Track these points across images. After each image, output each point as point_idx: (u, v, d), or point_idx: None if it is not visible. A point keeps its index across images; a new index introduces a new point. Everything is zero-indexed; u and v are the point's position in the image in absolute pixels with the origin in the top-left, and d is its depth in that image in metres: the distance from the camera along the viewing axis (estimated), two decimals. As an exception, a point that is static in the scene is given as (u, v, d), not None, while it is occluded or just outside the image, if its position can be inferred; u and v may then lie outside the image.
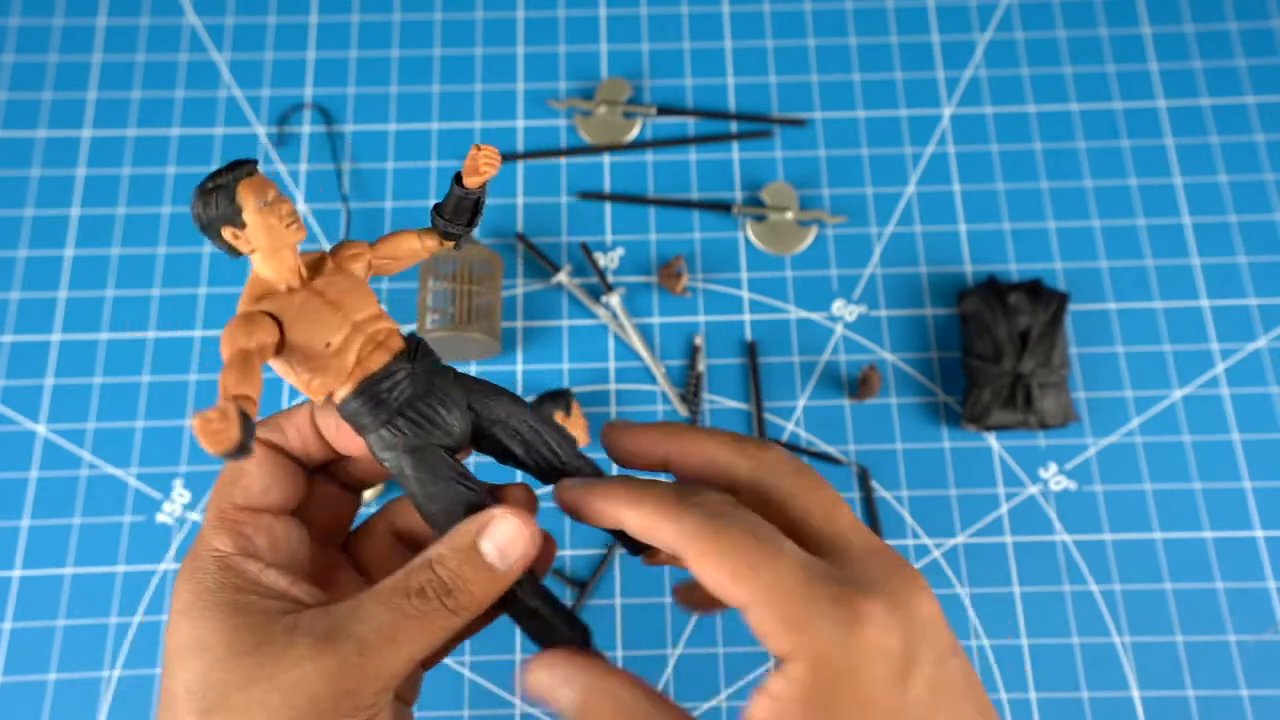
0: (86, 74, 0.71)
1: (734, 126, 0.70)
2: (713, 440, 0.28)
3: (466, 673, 0.58)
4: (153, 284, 0.66)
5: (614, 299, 0.64)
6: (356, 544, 0.32)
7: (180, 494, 0.61)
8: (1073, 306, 0.65)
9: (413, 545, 0.33)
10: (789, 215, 0.67)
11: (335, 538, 0.32)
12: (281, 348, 0.26)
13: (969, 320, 0.63)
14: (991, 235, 0.67)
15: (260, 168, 0.69)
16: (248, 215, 0.25)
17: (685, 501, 0.25)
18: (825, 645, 0.23)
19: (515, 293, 0.66)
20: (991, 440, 0.62)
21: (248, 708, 0.23)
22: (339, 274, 0.28)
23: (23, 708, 0.56)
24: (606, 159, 0.70)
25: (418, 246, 0.29)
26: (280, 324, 0.26)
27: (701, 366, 0.64)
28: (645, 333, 0.65)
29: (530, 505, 0.30)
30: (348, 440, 0.28)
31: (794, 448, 0.62)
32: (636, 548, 0.31)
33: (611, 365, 0.64)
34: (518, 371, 0.64)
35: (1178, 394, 0.63)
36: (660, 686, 0.57)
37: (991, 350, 0.61)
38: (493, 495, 0.29)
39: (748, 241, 0.67)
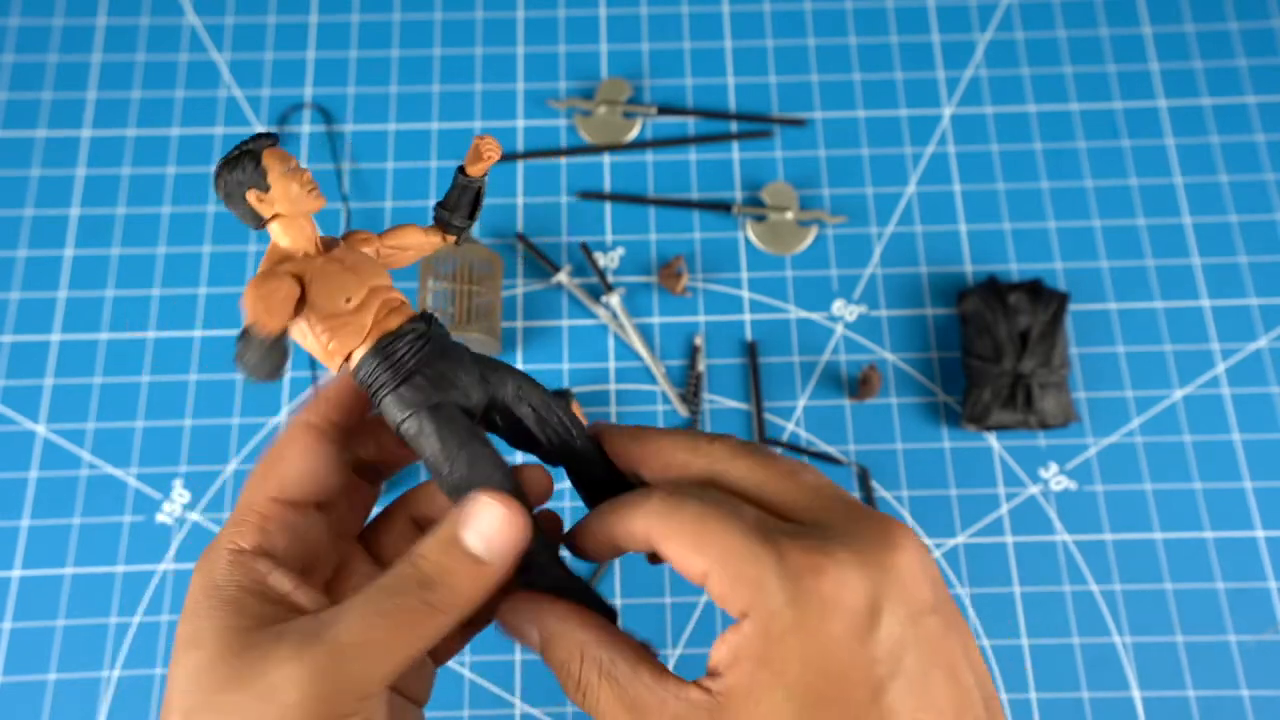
0: (86, 74, 0.71)
1: (734, 126, 0.70)
2: (669, 440, 0.28)
3: (466, 673, 0.58)
4: (153, 284, 0.66)
5: (614, 299, 0.64)
6: (375, 536, 0.31)
7: (180, 494, 0.61)
8: (1073, 306, 0.65)
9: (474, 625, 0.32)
10: (789, 215, 0.67)
11: (351, 529, 0.31)
12: (300, 308, 0.26)
13: (969, 320, 0.63)
14: (992, 235, 0.67)
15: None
16: (272, 179, 0.26)
17: (648, 492, 0.26)
18: (776, 600, 0.22)
19: (515, 293, 0.66)
20: (992, 440, 0.62)
21: (227, 712, 0.23)
22: (352, 251, 0.29)
23: (23, 708, 0.56)
24: (606, 159, 0.70)
25: (423, 240, 0.30)
26: (301, 284, 0.27)
27: (701, 366, 0.64)
28: (645, 333, 0.65)
29: (547, 487, 0.30)
30: None
31: (794, 448, 0.62)
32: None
33: (611, 365, 0.64)
34: (518, 371, 0.64)
35: (1178, 394, 0.63)
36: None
37: (992, 350, 0.61)
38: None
39: (748, 241, 0.67)
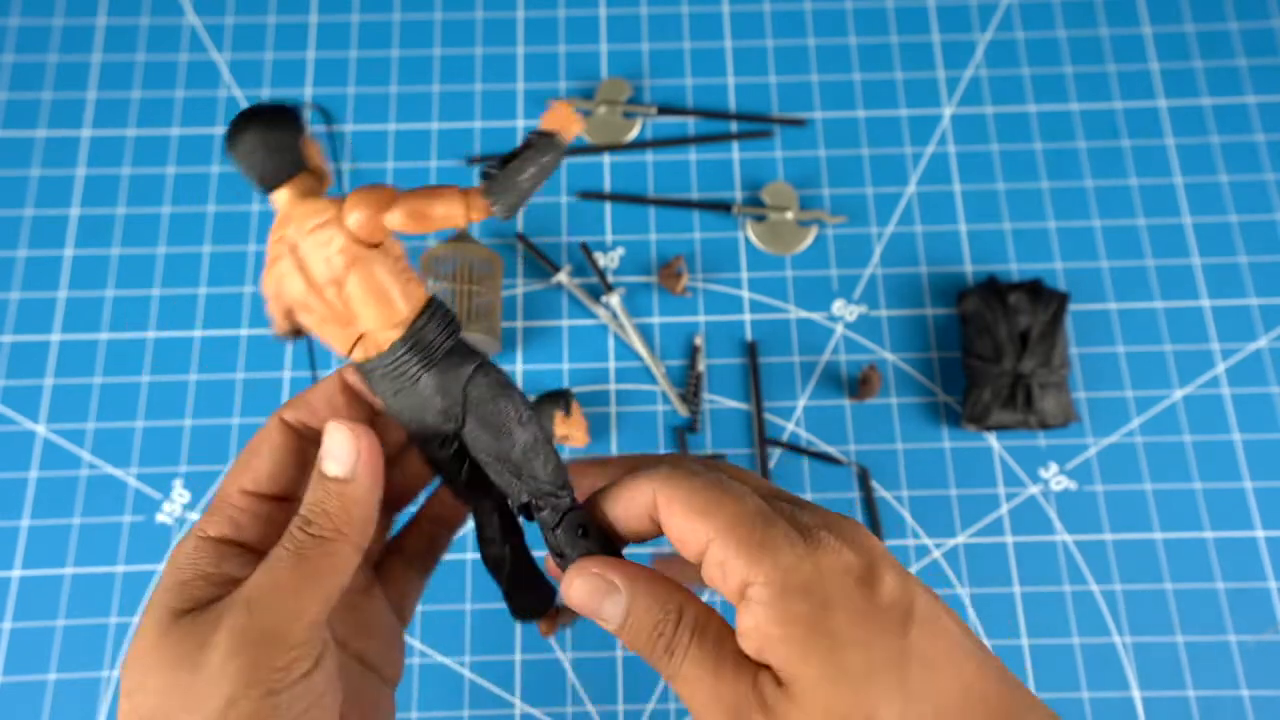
0: (86, 74, 0.71)
1: (734, 126, 0.70)
2: (617, 467, 0.30)
3: (466, 673, 0.58)
4: (153, 284, 0.66)
5: (614, 299, 0.64)
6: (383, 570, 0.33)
7: (180, 494, 0.61)
8: (1073, 306, 0.65)
9: (423, 566, 0.33)
10: (789, 215, 0.67)
11: (368, 558, 0.32)
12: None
13: (969, 320, 0.63)
14: (992, 235, 0.67)
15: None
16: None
17: (656, 463, 0.27)
18: (785, 563, 0.24)
19: (515, 293, 0.66)
20: (992, 440, 0.62)
21: (162, 691, 0.24)
22: None
23: (23, 708, 0.56)
24: (606, 159, 0.70)
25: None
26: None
27: (701, 366, 0.64)
28: (645, 333, 0.65)
29: None
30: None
31: (794, 448, 0.62)
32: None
33: (611, 365, 0.64)
34: (518, 371, 0.64)
35: (1178, 394, 0.63)
36: (660, 688, 0.57)
37: (992, 350, 0.61)
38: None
39: (748, 241, 0.67)
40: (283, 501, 0.28)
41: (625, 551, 0.29)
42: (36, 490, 0.61)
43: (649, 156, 0.70)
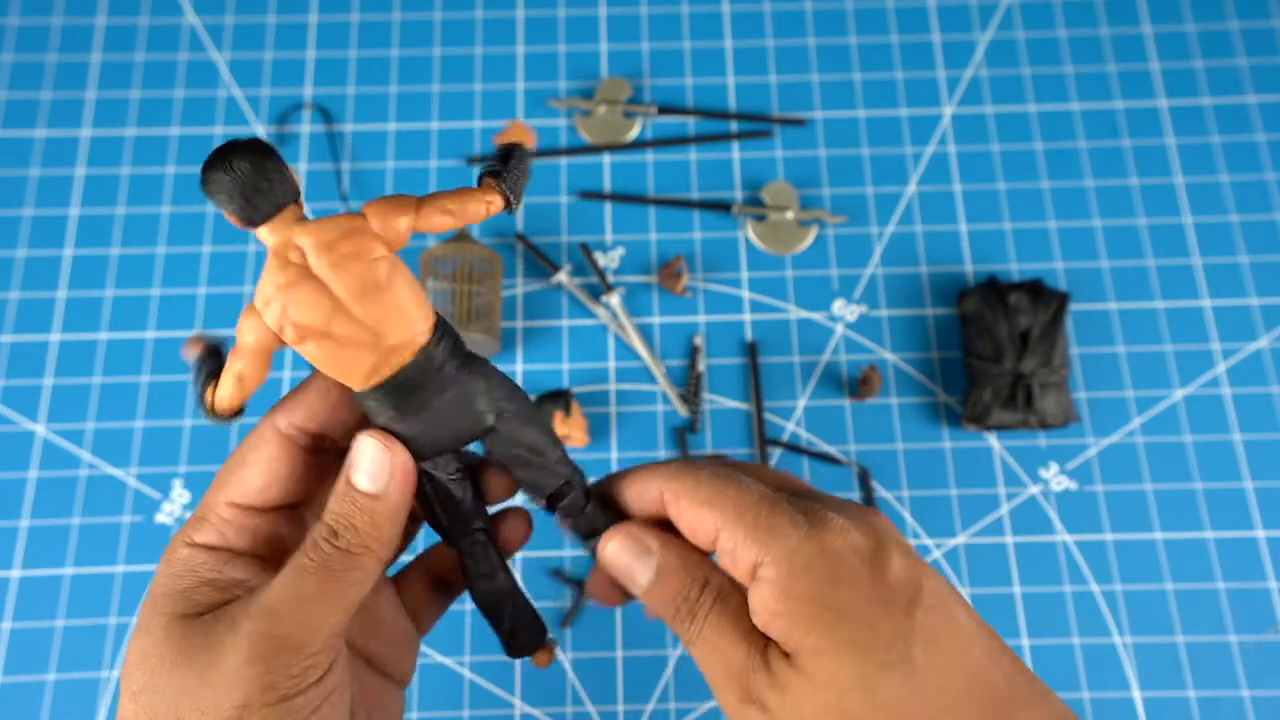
0: (85, 74, 0.71)
1: (734, 126, 0.70)
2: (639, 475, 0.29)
3: (466, 673, 0.57)
4: (152, 284, 0.66)
5: (614, 299, 0.64)
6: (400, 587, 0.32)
7: (180, 494, 0.61)
8: (1073, 306, 0.65)
9: (448, 589, 0.33)
10: (789, 215, 0.67)
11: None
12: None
13: (969, 320, 0.62)
14: (992, 235, 0.67)
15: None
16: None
17: (664, 461, 0.28)
18: (791, 543, 0.24)
19: (515, 293, 0.66)
20: (992, 440, 0.62)
21: (173, 690, 0.23)
22: None
23: (22, 708, 0.56)
24: (606, 159, 0.69)
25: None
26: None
27: (702, 366, 0.64)
28: (645, 333, 0.65)
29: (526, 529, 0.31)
30: None
31: (794, 448, 0.62)
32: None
33: (611, 365, 0.64)
34: (518, 371, 0.64)
35: (1179, 394, 0.63)
36: (659, 688, 0.57)
37: (992, 350, 0.61)
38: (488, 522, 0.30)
39: (748, 241, 0.67)
40: (273, 512, 0.27)
41: None
42: (36, 490, 0.61)
43: (649, 156, 0.70)
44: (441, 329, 0.27)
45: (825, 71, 0.72)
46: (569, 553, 0.60)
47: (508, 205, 0.27)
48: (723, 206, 0.67)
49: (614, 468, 0.62)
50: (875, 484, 0.61)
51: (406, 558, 0.37)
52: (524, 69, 0.72)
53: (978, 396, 0.60)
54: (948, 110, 0.71)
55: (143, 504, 0.61)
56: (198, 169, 0.69)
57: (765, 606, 0.24)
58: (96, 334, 0.64)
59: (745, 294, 0.66)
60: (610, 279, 0.66)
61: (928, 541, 0.60)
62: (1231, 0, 0.73)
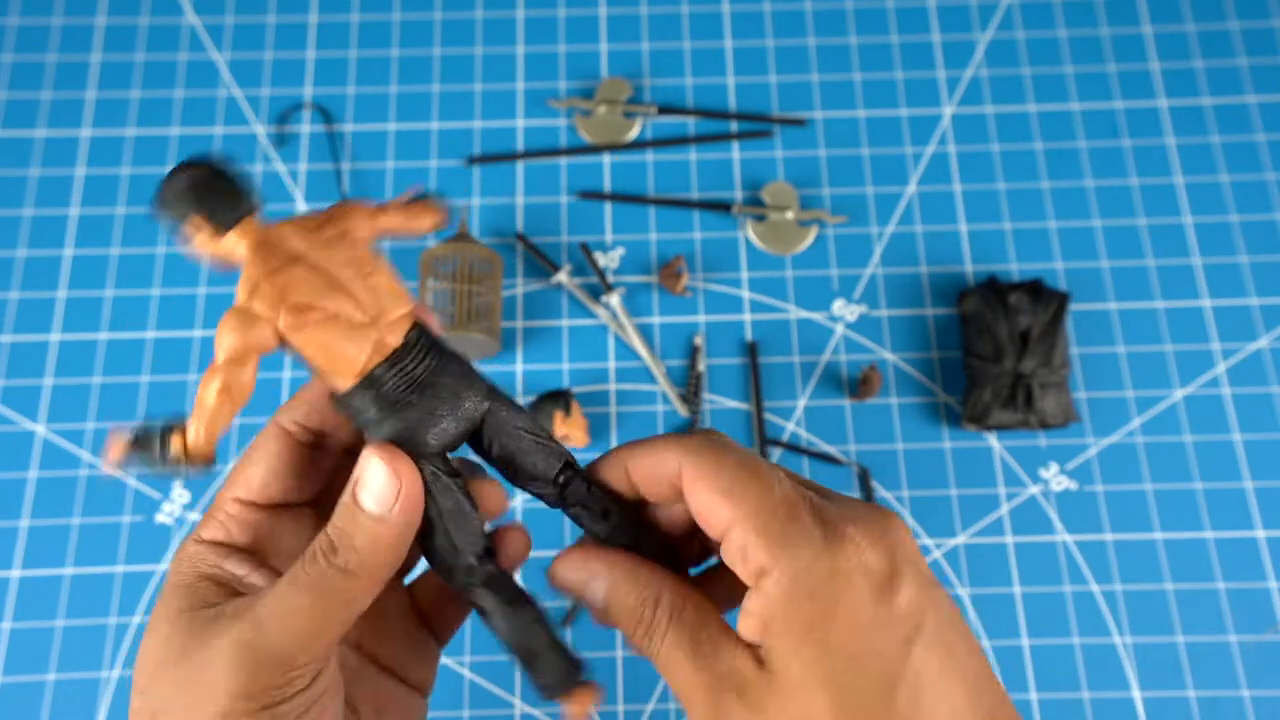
0: (85, 73, 0.71)
1: (734, 126, 0.70)
2: (643, 448, 0.28)
3: (466, 673, 0.57)
4: (152, 284, 0.66)
5: (614, 299, 0.64)
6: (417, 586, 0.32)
7: (180, 494, 0.61)
8: (1073, 306, 0.65)
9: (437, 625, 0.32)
10: (789, 215, 0.67)
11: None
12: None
13: (969, 320, 0.62)
14: (992, 235, 0.67)
15: (256, 168, 0.69)
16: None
17: (687, 432, 0.27)
18: (805, 558, 0.23)
19: (515, 293, 0.66)
20: (992, 440, 0.62)
21: (175, 685, 0.23)
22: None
23: (22, 708, 0.56)
24: (606, 159, 0.69)
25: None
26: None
27: (702, 366, 0.64)
28: (645, 333, 0.65)
29: (523, 546, 0.30)
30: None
31: (794, 448, 0.62)
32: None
33: (611, 365, 0.64)
34: (518, 371, 0.64)
35: (1179, 394, 0.63)
36: (659, 688, 0.57)
37: (992, 350, 0.61)
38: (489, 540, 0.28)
39: (748, 241, 0.67)
40: (276, 509, 0.27)
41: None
42: (36, 490, 0.61)
43: (649, 156, 0.70)
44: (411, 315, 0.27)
45: (825, 71, 0.72)
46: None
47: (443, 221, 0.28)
48: (723, 206, 0.67)
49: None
50: (875, 484, 0.61)
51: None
52: (524, 69, 0.72)
53: (978, 396, 0.60)
54: (948, 110, 0.71)
55: (143, 504, 0.61)
56: (198, 169, 0.69)
57: (762, 616, 0.24)
58: (96, 334, 0.64)
59: (745, 294, 0.66)
60: (610, 279, 0.66)
61: (928, 541, 0.60)
62: (1231, 0, 0.73)
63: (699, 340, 0.64)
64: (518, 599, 0.27)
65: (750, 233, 0.67)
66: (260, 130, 0.70)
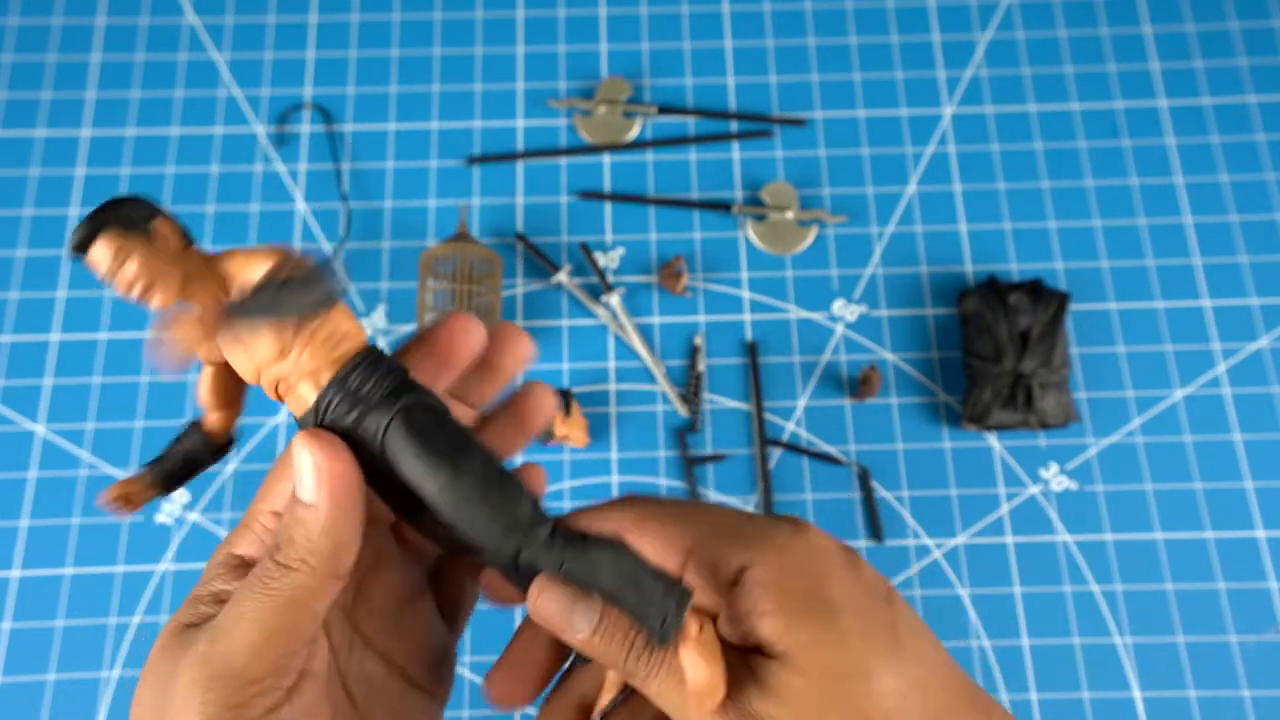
0: (85, 73, 0.71)
1: (734, 126, 0.70)
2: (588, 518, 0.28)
3: (466, 673, 0.57)
4: (152, 284, 0.66)
5: (614, 299, 0.64)
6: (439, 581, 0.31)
7: (180, 494, 0.61)
8: (1073, 306, 0.65)
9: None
10: (789, 215, 0.67)
11: (421, 560, 0.30)
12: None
13: (969, 320, 0.62)
14: (992, 235, 0.67)
15: (256, 168, 0.69)
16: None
17: (612, 500, 0.28)
18: (781, 541, 0.25)
19: (515, 293, 0.66)
20: (992, 440, 0.62)
21: (159, 695, 0.23)
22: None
23: (22, 708, 0.56)
24: (606, 159, 0.69)
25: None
26: None
27: (702, 366, 0.64)
28: (645, 333, 0.65)
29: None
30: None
31: (794, 448, 0.62)
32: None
33: (611, 365, 0.64)
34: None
35: (1179, 394, 0.63)
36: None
37: (992, 350, 0.61)
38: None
39: (748, 241, 0.67)
40: None
41: None
42: (36, 490, 0.61)
43: (649, 156, 0.70)
44: None
45: (825, 71, 0.72)
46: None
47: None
48: (723, 206, 0.67)
49: (614, 468, 0.62)
50: (875, 484, 0.61)
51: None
52: (524, 69, 0.72)
53: (978, 396, 0.60)
54: (948, 110, 0.71)
55: (143, 504, 0.61)
56: (198, 169, 0.69)
57: (755, 608, 0.24)
58: (96, 334, 0.64)
59: (745, 294, 0.66)
60: (610, 279, 0.66)
61: (928, 541, 0.60)
62: (1231, 0, 0.73)
63: (699, 340, 0.64)
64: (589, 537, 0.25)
65: (750, 233, 0.67)
66: (260, 130, 0.70)
